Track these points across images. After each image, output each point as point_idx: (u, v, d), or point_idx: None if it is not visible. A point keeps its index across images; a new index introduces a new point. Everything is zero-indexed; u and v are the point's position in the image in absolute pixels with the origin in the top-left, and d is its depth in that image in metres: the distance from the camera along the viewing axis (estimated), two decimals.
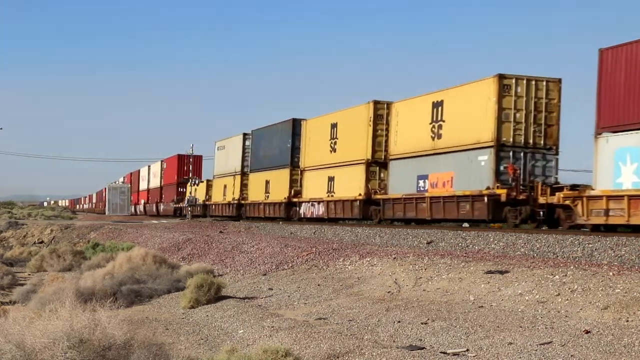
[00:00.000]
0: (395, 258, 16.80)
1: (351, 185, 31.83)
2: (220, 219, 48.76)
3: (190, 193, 58.10)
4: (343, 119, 33.38)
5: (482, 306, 11.99)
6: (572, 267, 13.05)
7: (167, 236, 31.76)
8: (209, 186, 55.90)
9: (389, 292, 14.38)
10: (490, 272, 13.75)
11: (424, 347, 10.02)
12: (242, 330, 12.77)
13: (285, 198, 38.75)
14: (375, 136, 30.74)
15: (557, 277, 12.37)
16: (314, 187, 35.43)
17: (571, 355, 8.84)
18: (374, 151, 30.72)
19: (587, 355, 8.78)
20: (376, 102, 30.95)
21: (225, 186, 49.96)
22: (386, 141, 30.40)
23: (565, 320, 10.45)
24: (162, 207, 70.56)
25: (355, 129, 31.85)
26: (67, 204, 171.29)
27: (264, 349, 9.28)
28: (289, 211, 38.46)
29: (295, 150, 38.62)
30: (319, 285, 16.44)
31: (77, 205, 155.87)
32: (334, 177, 33.62)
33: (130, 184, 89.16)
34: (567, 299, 11.28)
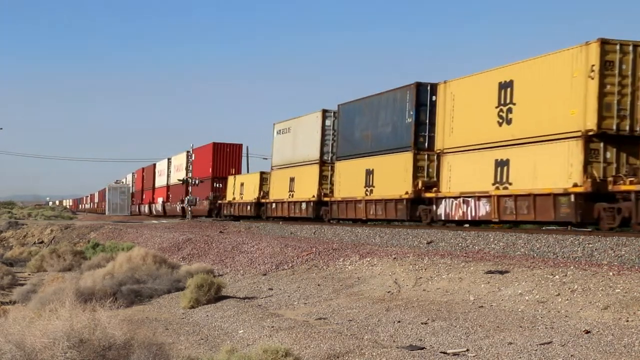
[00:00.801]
0: (395, 258, 16.80)
1: (549, 170, 21.16)
2: (281, 221, 39.16)
3: (190, 193, 58.00)
4: (526, 75, 22.21)
5: (482, 306, 11.99)
6: (572, 267, 13.05)
7: (167, 236, 31.76)
8: (263, 180, 43.73)
9: (389, 292, 14.38)
10: (490, 272, 13.75)
11: (424, 347, 10.02)
12: (242, 330, 12.78)
13: (408, 193, 27.32)
14: (602, 94, 19.64)
15: (557, 277, 12.37)
16: (465, 176, 24.91)
17: (571, 355, 8.84)
18: (600, 118, 19.60)
19: (587, 355, 8.78)
20: (604, 42, 19.65)
21: (292, 179, 38.34)
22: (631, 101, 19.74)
23: (565, 320, 10.45)
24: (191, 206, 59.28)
25: (550, 88, 21.13)
26: (70, 204, 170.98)
27: (264, 349, 9.28)
28: (414, 211, 27.47)
29: (420, 126, 27.66)
30: (319, 285, 16.45)
31: (80, 205, 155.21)
32: (507, 160, 22.81)
33: (143, 181, 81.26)
34: (567, 299, 11.28)
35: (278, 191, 40.34)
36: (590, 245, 16.12)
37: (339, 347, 10.14)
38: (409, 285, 14.56)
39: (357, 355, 9.76)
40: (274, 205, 40.90)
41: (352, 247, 20.34)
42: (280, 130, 41.20)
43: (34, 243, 40.06)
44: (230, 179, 50.71)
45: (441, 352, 9.68)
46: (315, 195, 35.20)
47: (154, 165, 76.54)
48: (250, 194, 45.23)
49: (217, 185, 52.84)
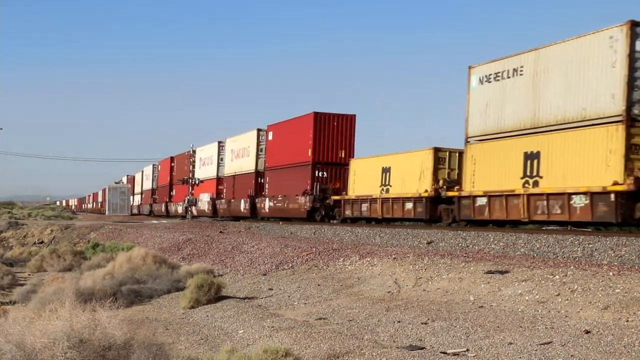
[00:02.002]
0: (395, 258, 16.80)
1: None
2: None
3: (191, 193, 57.75)
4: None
5: (482, 306, 11.99)
6: (572, 267, 13.05)
7: (167, 236, 31.76)
8: (439, 161, 27.93)
9: (389, 292, 14.38)
10: (490, 272, 13.75)
11: (424, 347, 10.02)
12: (242, 330, 12.78)
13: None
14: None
15: (557, 277, 12.37)
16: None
17: (571, 355, 8.84)
18: None
19: (587, 355, 8.78)
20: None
21: (534, 156, 21.64)
22: None
23: (565, 320, 10.45)
24: (267, 203, 41.35)
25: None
26: (76, 203, 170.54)
27: (264, 349, 9.28)
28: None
29: None
30: (319, 285, 16.44)
31: (83, 205, 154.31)
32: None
33: (171, 173, 66.36)
34: (567, 299, 11.28)
35: (489, 178, 23.52)
36: (590, 245, 16.11)
37: (339, 347, 10.14)
38: (409, 285, 14.56)
39: (357, 355, 9.76)
40: (481, 201, 23.75)
41: (352, 247, 20.33)
42: (492, 76, 23.87)
43: (34, 243, 40.05)
44: (359, 163, 32.95)
45: (441, 352, 9.68)
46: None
47: (191, 152, 59.34)
48: (412, 184, 28.57)
49: (320, 174, 35.91)
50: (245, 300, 16.16)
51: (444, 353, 9.64)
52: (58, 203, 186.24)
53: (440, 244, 20.12)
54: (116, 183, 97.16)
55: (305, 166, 37.18)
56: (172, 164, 66.99)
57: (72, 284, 17.56)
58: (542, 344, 9.37)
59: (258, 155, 44.36)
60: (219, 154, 52.96)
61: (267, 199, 41.75)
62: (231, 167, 49.51)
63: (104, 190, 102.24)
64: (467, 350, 9.72)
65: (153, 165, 77.89)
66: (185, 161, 61.15)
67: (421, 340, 10.53)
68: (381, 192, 29.69)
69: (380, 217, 29.28)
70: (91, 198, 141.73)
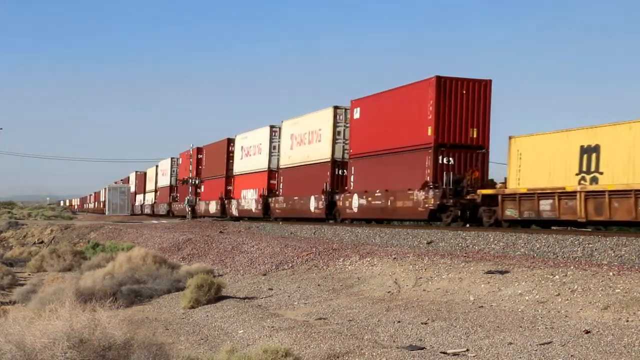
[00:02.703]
0: (395, 258, 16.80)
1: None
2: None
3: (190, 194, 57.56)
4: None
5: (482, 306, 11.99)
6: (572, 267, 13.05)
7: (167, 236, 31.76)
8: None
9: (389, 292, 14.38)
10: (490, 272, 13.74)
11: (424, 347, 10.02)
12: (242, 330, 12.78)
13: None
14: None
15: (557, 277, 12.37)
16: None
17: (571, 355, 8.84)
18: None
19: (587, 355, 8.78)
20: None
21: None
22: None
23: (565, 320, 10.44)
24: (356, 201, 31.06)
25: None
26: (78, 203, 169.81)
27: (264, 349, 9.28)
28: None
29: None
30: (319, 285, 16.44)
31: (85, 205, 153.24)
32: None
33: (199, 166, 56.53)
34: (567, 299, 11.28)
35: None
36: (590, 245, 16.11)
37: (339, 347, 10.14)
38: (409, 285, 14.56)
39: (357, 355, 9.76)
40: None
41: (352, 247, 20.33)
42: None
43: (34, 243, 40.06)
44: (529, 141, 22.77)
45: (441, 352, 9.68)
46: None
47: (228, 140, 48.94)
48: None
49: (445, 160, 26.63)
50: (245, 300, 16.16)
51: (444, 353, 9.64)
52: (62, 203, 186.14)
53: (440, 244, 20.11)
54: (116, 183, 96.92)
55: (422, 150, 26.64)
56: (200, 156, 56.52)
57: (72, 284, 17.56)
58: (542, 344, 9.37)
59: (335, 140, 33.45)
60: (270, 141, 41.27)
61: (354, 196, 30.91)
62: (291, 157, 38.27)
63: (105, 190, 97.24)
64: (467, 350, 9.72)
65: (172, 158, 67.09)
66: (219, 152, 50.67)
67: (421, 340, 10.53)
68: (580, 183, 20.34)
69: (584, 219, 20.17)
70: (92, 197, 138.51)
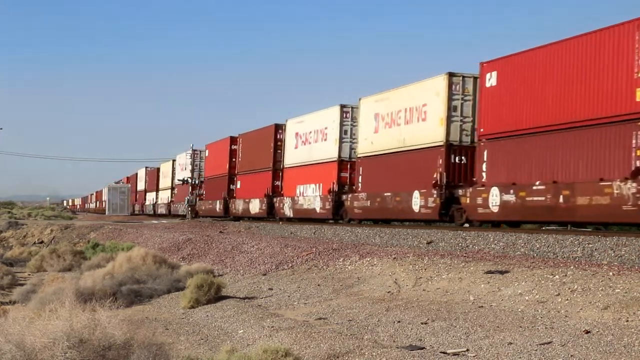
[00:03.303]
0: (395, 258, 16.80)
1: None
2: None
3: (190, 194, 57.49)
4: None
5: (482, 306, 11.99)
6: (572, 267, 13.05)
7: (167, 236, 31.76)
8: None
9: (389, 292, 14.38)
10: (490, 272, 13.75)
11: (424, 347, 10.03)
12: (242, 330, 12.78)
13: None
14: None
15: (557, 277, 12.37)
16: None
17: (571, 355, 8.84)
18: None
19: (587, 355, 8.78)
20: None
21: None
22: None
23: (565, 320, 10.45)
24: (495, 197, 22.71)
25: None
26: (80, 202, 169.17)
27: (264, 349, 9.29)
28: None
29: None
30: (319, 285, 16.45)
31: (86, 204, 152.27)
32: None
33: (233, 159, 47.66)
34: (567, 299, 11.28)
35: None
36: (590, 245, 16.11)
37: (339, 347, 10.15)
38: (408, 285, 14.56)
39: (357, 355, 9.76)
40: None
41: (352, 247, 20.33)
42: None
43: (34, 243, 40.06)
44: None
45: (441, 352, 9.69)
46: None
47: (276, 127, 40.81)
48: None
49: None
50: (245, 300, 16.17)
51: (443, 353, 9.65)
52: (65, 202, 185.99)
53: (440, 244, 20.11)
54: (116, 183, 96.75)
55: (629, 122, 18.59)
56: (234, 147, 47.41)
57: (72, 284, 17.57)
58: (542, 344, 9.37)
59: (450, 119, 25.94)
60: (341, 125, 33.25)
61: (492, 190, 23.08)
62: (374, 143, 30.19)
63: (108, 189, 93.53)
64: (467, 350, 9.72)
65: (194, 150, 59.23)
66: (262, 140, 42.20)
67: (421, 340, 10.54)
68: None
69: None
70: (94, 197, 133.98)
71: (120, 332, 8.05)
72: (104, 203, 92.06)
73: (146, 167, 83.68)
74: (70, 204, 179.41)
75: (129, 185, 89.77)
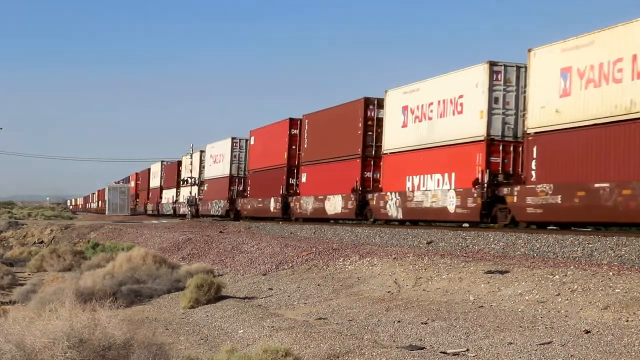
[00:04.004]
0: (395, 258, 16.80)
1: None
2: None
3: (190, 192, 57.24)
4: None
5: (482, 306, 11.99)
6: (572, 267, 13.05)
7: (167, 236, 31.76)
8: None
9: (389, 292, 14.38)
10: (490, 272, 13.75)
11: (424, 347, 10.02)
12: (242, 330, 12.78)
13: None
14: None
15: (557, 277, 12.37)
16: None
17: (571, 355, 8.84)
18: None
19: (587, 355, 8.78)
20: None
21: None
22: None
23: (565, 320, 10.45)
24: None
25: None
26: (82, 202, 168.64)
27: (264, 348, 9.28)
28: None
29: None
30: (319, 285, 16.45)
31: (88, 204, 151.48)
32: None
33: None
34: (567, 299, 11.28)
35: None
36: (590, 245, 16.11)
37: (339, 347, 10.15)
38: (409, 285, 14.56)
39: (357, 355, 9.76)
40: None
41: (352, 247, 20.33)
42: None
43: (34, 243, 40.08)
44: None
45: (441, 352, 9.68)
46: None
47: (366, 101, 31.21)
48: None
49: None
50: (245, 300, 16.17)
51: (444, 353, 9.65)
52: (69, 202, 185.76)
53: (440, 243, 20.12)
54: (116, 182, 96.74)
55: None
56: (294, 131, 37.89)
57: (72, 284, 17.57)
58: (542, 344, 9.37)
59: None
60: (490, 89, 23.67)
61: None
62: (568, 110, 20.47)
63: (108, 189, 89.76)
64: (467, 350, 9.72)
65: (233, 139, 48.26)
66: (343, 121, 32.46)
67: (421, 340, 10.54)
68: None
69: None
70: (96, 196, 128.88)
71: (120, 332, 8.05)
72: (106, 202, 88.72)
73: (162, 162, 73.33)
74: (73, 203, 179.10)
75: (129, 185, 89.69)
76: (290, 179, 37.92)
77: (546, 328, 10.13)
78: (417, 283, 14.52)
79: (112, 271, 19.97)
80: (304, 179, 36.29)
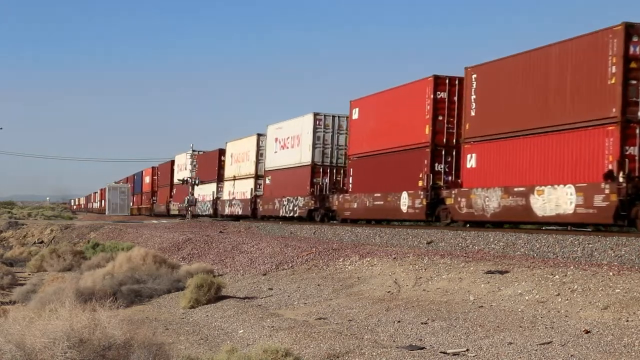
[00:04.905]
0: (395, 258, 16.80)
1: None
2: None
3: (191, 193, 57.05)
4: None
5: (482, 306, 11.99)
6: (572, 267, 13.05)
7: (167, 236, 31.75)
8: None
9: (389, 292, 14.38)
10: (490, 272, 13.75)
11: (424, 347, 10.02)
12: (242, 330, 12.78)
13: None
14: None
15: (557, 277, 12.37)
16: None
17: (571, 355, 8.84)
18: None
19: (587, 355, 8.78)
20: None
21: None
22: None
23: (565, 320, 10.45)
24: None
25: None
26: (83, 202, 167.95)
27: (264, 348, 9.28)
28: None
29: None
30: (319, 285, 16.45)
31: (89, 204, 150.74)
32: None
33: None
34: (567, 299, 11.29)
35: None
36: (590, 245, 16.11)
37: (339, 347, 10.15)
38: (408, 285, 14.56)
39: (357, 355, 9.76)
40: None
41: (352, 247, 20.33)
42: None
43: (34, 243, 40.07)
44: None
45: (441, 352, 9.69)
46: None
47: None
48: None
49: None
50: (245, 300, 16.17)
51: (443, 353, 9.65)
52: (73, 202, 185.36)
53: (440, 244, 20.12)
54: (116, 182, 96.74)
55: None
56: (441, 94, 26.08)
57: (72, 284, 17.57)
58: (542, 344, 9.37)
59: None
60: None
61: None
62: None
63: (108, 188, 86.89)
64: (467, 350, 9.72)
65: (315, 114, 36.05)
66: (529, 74, 21.45)
67: (421, 340, 10.54)
68: None
69: None
70: (98, 196, 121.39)
71: (120, 332, 8.04)
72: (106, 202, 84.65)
73: (193, 150, 57.49)
74: (76, 203, 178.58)
75: (128, 185, 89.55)
76: (437, 165, 26.26)
77: (546, 328, 10.13)
78: (417, 283, 14.52)
79: (112, 271, 19.96)
80: (472, 163, 24.24)
